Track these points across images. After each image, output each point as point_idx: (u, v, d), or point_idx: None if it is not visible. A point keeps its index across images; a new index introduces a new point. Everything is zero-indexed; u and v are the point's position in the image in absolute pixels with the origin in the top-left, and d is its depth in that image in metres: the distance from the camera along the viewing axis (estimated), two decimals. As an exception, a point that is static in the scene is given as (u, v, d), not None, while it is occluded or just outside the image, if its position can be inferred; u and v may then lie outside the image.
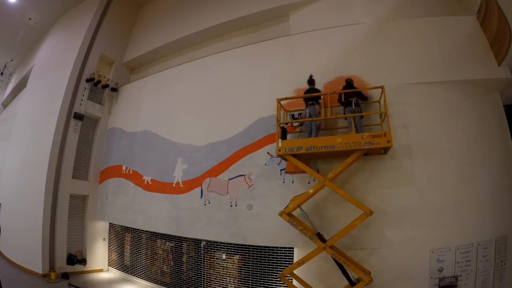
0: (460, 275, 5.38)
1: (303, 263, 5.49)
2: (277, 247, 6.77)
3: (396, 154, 5.87)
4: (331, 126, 6.43)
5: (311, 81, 6.45)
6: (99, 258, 10.11)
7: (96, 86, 10.65)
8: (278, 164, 6.75)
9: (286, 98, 6.36)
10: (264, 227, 6.58)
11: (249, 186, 6.99)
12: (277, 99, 6.21)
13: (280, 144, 5.80)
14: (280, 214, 5.64)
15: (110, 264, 10.20)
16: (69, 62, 10.41)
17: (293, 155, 5.74)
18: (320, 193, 5.87)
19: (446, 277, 5.34)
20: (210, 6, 10.13)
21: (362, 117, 5.90)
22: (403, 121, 6.02)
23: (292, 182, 6.51)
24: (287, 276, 5.67)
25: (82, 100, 10.29)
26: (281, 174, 6.64)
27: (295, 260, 6.44)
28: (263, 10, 8.86)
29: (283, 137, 6.00)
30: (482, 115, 6.21)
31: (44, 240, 8.82)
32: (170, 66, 10.27)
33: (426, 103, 6.12)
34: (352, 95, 5.86)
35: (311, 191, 5.68)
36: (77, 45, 10.58)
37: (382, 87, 5.68)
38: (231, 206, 7.13)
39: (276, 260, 6.78)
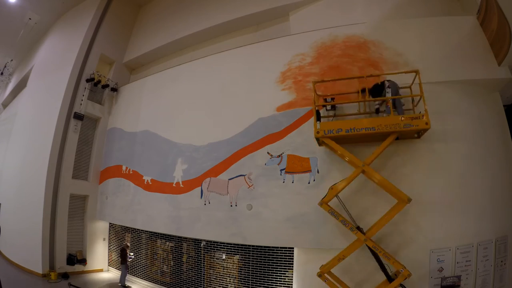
0: (460, 275, 5.37)
1: (343, 258, 5.29)
2: (277, 247, 6.77)
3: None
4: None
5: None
6: (99, 258, 10.12)
7: (96, 86, 10.66)
8: (278, 164, 6.74)
9: (323, 81, 6.33)
10: (264, 227, 6.58)
11: (249, 186, 6.99)
12: (312, 82, 6.21)
13: (318, 126, 5.71)
14: (321, 204, 5.50)
15: (110, 264, 10.20)
16: (69, 62, 10.42)
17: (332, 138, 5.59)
18: (354, 184, 5.76)
19: (449, 276, 5.34)
20: (210, 6, 10.13)
21: (400, 103, 5.75)
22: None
23: (292, 182, 6.51)
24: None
25: (82, 100, 10.29)
26: (281, 174, 6.64)
27: (295, 260, 6.45)
28: (263, 10, 8.87)
29: (318, 119, 5.93)
30: (482, 115, 6.21)
31: (44, 240, 8.83)
32: (170, 66, 10.27)
33: (426, 103, 6.11)
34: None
35: (349, 176, 5.53)
36: (77, 45, 10.58)
37: (417, 71, 5.58)
38: (231, 206, 7.12)
39: (276, 260, 6.78)
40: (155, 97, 9.99)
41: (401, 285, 5.03)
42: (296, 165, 6.55)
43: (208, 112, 8.31)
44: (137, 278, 9.14)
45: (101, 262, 10.14)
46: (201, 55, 9.58)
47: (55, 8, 12.24)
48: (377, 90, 5.88)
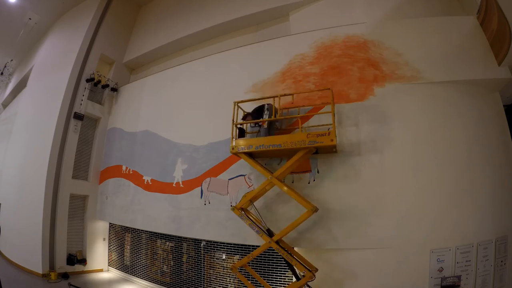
0: (460, 275, 5.37)
1: (252, 257, 5.90)
2: (277, 247, 6.75)
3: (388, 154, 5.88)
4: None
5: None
6: (99, 258, 10.10)
7: (96, 86, 10.64)
8: (278, 164, 6.74)
9: (244, 101, 6.66)
10: (264, 227, 6.57)
11: (249, 186, 6.98)
12: (235, 102, 6.51)
13: (233, 143, 6.20)
14: (232, 209, 6.12)
15: (110, 264, 10.19)
16: (69, 62, 10.41)
17: (247, 154, 6.19)
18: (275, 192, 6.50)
19: (449, 276, 5.34)
20: (210, 6, 10.13)
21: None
22: (402, 121, 6.05)
23: (292, 182, 6.50)
24: (240, 269, 6.10)
25: (82, 100, 10.28)
26: (281, 174, 6.62)
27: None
28: (263, 10, 8.85)
29: (240, 136, 6.53)
30: (482, 115, 6.21)
31: (44, 240, 8.82)
32: (170, 66, 10.27)
33: (426, 103, 6.13)
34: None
35: (258, 186, 6.24)
36: (77, 45, 10.57)
37: (330, 89, 6.08)
38: (231, 206, 7.11)
39: (276, 260, 6.78)
40: (155, 97, 9.99)
41: (307, 285, 5.46)
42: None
43: (208, 112, 8.31)
44: (137, 278, 9.14)
45: (101, 262, 10.13)
46: (201, 55, 9.57)
47: (55, 8, 12.22)
48: (259, 113, 6.41)
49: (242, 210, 6.14)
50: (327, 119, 6.16)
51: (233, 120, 6.39)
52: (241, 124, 6.63)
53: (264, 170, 6.03)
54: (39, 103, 11.18)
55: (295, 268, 5.56)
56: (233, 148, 6.18)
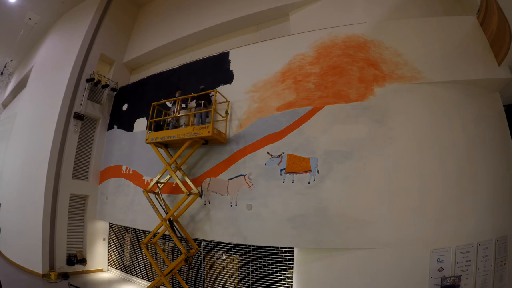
0: (460, 275, 5.37)
1: (152, 234, 7.44)
2: (277, 247, 6.77)
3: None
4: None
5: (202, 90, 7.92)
6: (99, 258, 10.11)
7: (96, 86, 10.64)
8: (278, 164, 6.74)
9: (161, 102, 8.37)
10: (264, 227, 6.58)
11: (249, 186, 6.99)
12: (153, 104, 8.23)
13: (147, 135, 7.86)
14: (143, 191, 7.76)
15: (110, 264, 10.20)
16: (69, 62, 10.40)
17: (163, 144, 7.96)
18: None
19: (449, 276, 5.34)
20: (210, 6, 10.13)
21: (207, 115, 7.69)
22: (402, 121, 6.06)
23: (292, 182, 6.51)
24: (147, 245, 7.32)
25: (82, 100, 10.28)
26: (281, 174, 6.64)
27: (295, 260, 6.46)
28: (263, 10, 8.85)
29: (156, 129, 8.13)
30: (482, 115, 6.21)
31: (44, 240, 8.82)
32: (170, 66, 10.26)
33: (426, 103, 6.13)
34: (201, 99, 7.73)
35: (159, 175, 7.70)
36: (77, 45, 10.57)
37: (227, 101, 7.75)
38: (231, 206, 7.12)
39: (276, 260, 6.79)
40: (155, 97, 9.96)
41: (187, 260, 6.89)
42: (296, 165, 6.55)
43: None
44: (137, 278, 9.14)
45: (101, 262, 10.13)
46: (201, 55, 9.57)
47: (55, 8, 12.21)
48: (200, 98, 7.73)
49: (154, 193, 7.72)
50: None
51: (150, 117, 8.19)
52: (156, 121, 8.20)
53: (162, 159, 7.54)
54: (39, 103, 11.17)
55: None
56: (146, 139, 7.76)
